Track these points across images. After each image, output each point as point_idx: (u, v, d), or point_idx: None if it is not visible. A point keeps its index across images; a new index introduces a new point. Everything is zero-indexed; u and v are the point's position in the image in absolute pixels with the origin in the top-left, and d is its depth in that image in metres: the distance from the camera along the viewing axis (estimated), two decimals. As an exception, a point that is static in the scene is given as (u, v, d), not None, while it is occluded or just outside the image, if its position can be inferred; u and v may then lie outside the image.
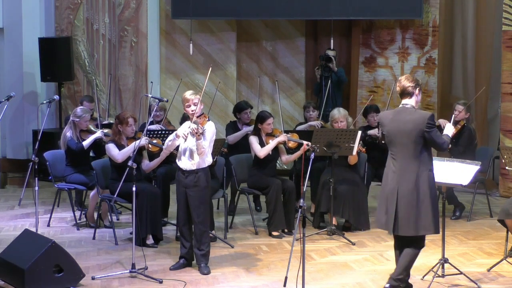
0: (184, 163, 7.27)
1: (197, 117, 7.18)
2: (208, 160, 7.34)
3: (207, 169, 7.34)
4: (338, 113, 9.11)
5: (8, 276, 6.85)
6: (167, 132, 8.79)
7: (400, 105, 6.42)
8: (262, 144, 8.86)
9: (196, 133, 7.06)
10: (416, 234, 6.32)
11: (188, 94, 7.29)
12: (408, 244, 6.44)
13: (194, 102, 7.22)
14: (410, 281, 6.90)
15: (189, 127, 7.15)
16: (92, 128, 9.21)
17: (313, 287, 6.92)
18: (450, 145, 8.99)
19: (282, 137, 8.84)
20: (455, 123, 9.25)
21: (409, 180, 6.26)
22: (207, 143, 7.24)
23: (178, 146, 7.35)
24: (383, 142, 6.60)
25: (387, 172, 6.43)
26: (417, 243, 6.45)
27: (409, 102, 6.38)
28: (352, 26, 12.10)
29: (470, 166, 6.89)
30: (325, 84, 11.25)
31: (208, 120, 7.33)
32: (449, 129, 6.70)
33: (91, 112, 10.00)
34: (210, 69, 7.62)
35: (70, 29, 12.00)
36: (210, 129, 7.26)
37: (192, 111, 7.20)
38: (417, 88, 6.39)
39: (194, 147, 7.20)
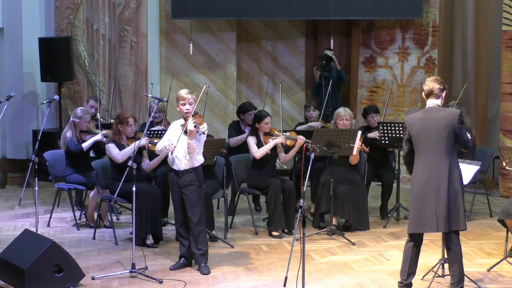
0: (177, 163, 7.27)
1: (192, 116, 7.17)
2: (200, 159, 7.34)
3: (200, 168, 7.35)
4: (345, 111, 9.16)
5: (8, 276, 6.85)
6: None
7: (427, 106, 6.52)
8: (260, 144, 8.86)
9: (197, 132, 7.07)
10: (457, 229, 6.39)
11: (184, 92, 7.27)
12: (452, 244, 6.48)
13: (190, 101, 7.21)
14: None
15: (184, 125, 7.13)
16: (93, 129, 9.21)
17: (313, 287, 6.93)
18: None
19: (280, 139, 8.83)
20: None
21: (443, 177, 6.32)
22: (200, 142, 7.26)
23: None
24: (408, 145, 6.58)
25: (415, 175, 6.44)
26: (459, 241, 6.49)
27: (436, 102, 6.50)
28: (352, 26, 12.09)
29: (470, 166, 6.90)
30: (325, 84, 11.25)
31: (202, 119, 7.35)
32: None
33: (95, 112, 10.02)
34: (205, 86, 7.58)
35: (70, 29, 12.00)
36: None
37: (186, 110, 7.19)
38: (444, 91, 6.55)
39: (186, 147, 7.20)
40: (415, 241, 6.53)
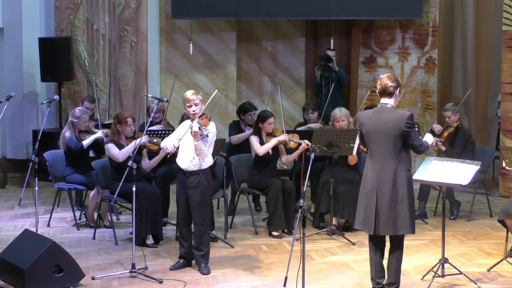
0: (185, 163, 7.25)
1: (199, 117, 7.16)
2: (209, 161, 7.33)
3: (208, 170, 7.33)
4: (340, 112, 9.13)
5: (8, 276, 6.85)
6: (167, 132, 8.79)
7: (379, 105, 6.38)
8: (262, 144, 8.86)
9: (201, 135, 7.05)
10: (394, 233, 6.27)
11: (190, 94, 7.26)
12: (392, 246, 6.38)
13: (196, 102, 7.20)
14: (409, 281, 6.92)
15: (190, 126, 7.13)
16: (92, 128, 9.21)
17: (313, 287, 6.92)
18: (442, 148, 9.00)
19: (283, 137, 8.84)
20: (448, 127, 9.34)
21: (387, 179, 6.21)
22: (207, 144, 7.23)
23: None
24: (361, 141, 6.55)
25: (366, 172, 6.37)
26: (400, 244, 6.38)
27: (389, 101, 6.33)
28: (352, 26, 12.09)
29: (470, 166, 6.88)
30: (325, 84, 11.26)
31: (209, 120, 7.32)
32: (428, 138, 6.66)
33: (92, 112, 10.00)
34: (216, 91, 7.47)
35: (70, 29, 12.00)
36: (212, 130, 7.25)
37: (193, 111, 7.19)
38: (398, 89, 6.33)
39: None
40: (374, 241, 6.41)
